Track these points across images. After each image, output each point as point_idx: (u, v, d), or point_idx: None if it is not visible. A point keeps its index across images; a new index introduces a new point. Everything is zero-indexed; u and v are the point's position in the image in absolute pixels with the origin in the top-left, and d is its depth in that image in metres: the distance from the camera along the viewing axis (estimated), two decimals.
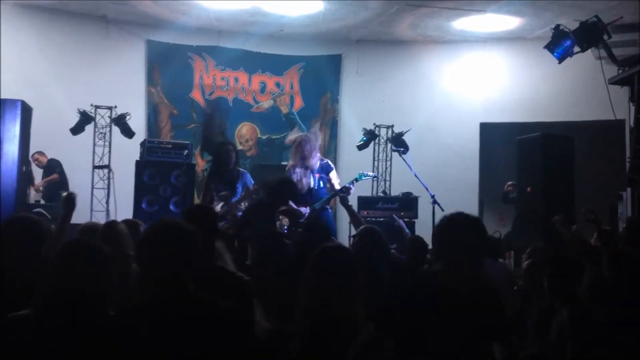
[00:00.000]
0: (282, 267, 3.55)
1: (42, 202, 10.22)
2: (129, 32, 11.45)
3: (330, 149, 11.97)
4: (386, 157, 11.26)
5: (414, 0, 9.84)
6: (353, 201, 8.17)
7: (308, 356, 2.61)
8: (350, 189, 7.35)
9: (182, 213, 4.98)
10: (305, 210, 7.38)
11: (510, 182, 9.91)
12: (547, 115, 11.01)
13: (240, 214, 7.42)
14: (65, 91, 10.76)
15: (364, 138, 10.79)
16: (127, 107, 10.23)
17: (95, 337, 2.49)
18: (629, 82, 8.42)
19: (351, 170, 8.08)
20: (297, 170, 7.62)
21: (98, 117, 10.22)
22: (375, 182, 10.90)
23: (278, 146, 12.17)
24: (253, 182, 7.76)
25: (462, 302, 2.19)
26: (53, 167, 10.30)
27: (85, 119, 9.96)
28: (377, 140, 11.17)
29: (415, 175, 8.21)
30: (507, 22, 10.76)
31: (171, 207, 8.86)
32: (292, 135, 8.14)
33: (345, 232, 9.50)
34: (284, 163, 11.60)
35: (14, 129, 8.86)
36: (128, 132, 10.07)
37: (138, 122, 10.87)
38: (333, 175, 7.81)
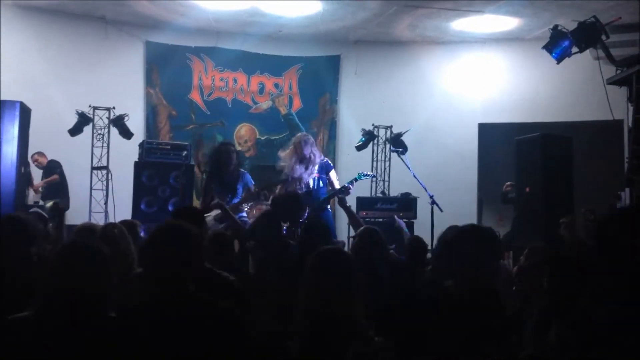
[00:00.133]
0: (284, 267, 3.56)
1: (41, 202, 10.21)
2: (128, 33, 11.45)
3: (329, 150, 11.97)
4: (385, 158, 11.27)
5: (413, 1, 9.84)
6: (352, 202, 8.19)
7: (308, 356, 2.61)
8: (349, 189, 7.35)
9: (171, 214, 4.97)
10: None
11: (509, 182, 9.93)
12: (546, 116, 11.03)
13: (242, 216, 7.42)
14: (64, 92, 10.76)
15: (363, 139, 10.79)
16: (125, 108, 10.23)
17: (95, 337, 2.49)
18: (627, 83, 8.41)
19: (350, 171, 8.09)
20: (297, 167, 7.59)
21: (96, 118, 10.21)
22: (374, 183, 10.91)
23: (277, 147, 12.12)
24: (253, 182, 7.74)
25: (462, 302, 2.19)
26: (53, 168, 10.30)
27: (84, 120, 9.96)
28: (375, 141, 11.17)
29: (414, 176, 8.22)
30: (506, 22, 10.77)
31: (170, 208, 8.84)
32: (283, 152, 8.06)
33: (344, 232, 9.51)
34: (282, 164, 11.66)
35: (12, 130, 8.86)
36: (126, 133, 10.07)
37: (137, 123, 10.87)
38: (332, 174, 7.80)
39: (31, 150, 9.93)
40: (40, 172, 10.55)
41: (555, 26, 7.88)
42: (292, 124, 12.24)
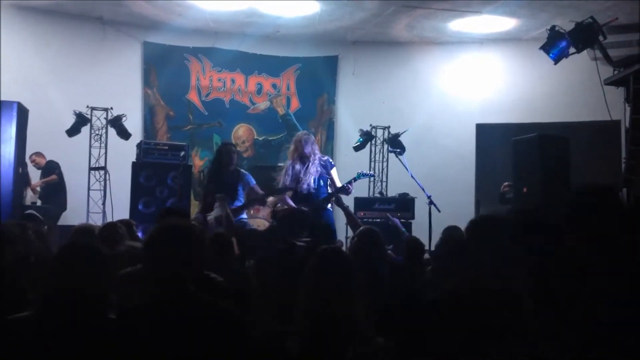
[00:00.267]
0: (284, 267, 3.56)
1: (39, 203, 10.20)
2: (126, 34, 11.44)
3: (327, 150, 11.97)
4: (383, 158, 11.28)
5: (411, 1, 9.85)
6: (349, 202, 8.19)
7: (308, 356, 2.61)
8: (349, 189, 7.36)
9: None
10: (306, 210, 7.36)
11: (506, 183, 9.93)
12: (543, 116, 11.03)
13: (242, 217, 7.42)
14: (62, 92, 10.76)
15: (361, 139, 10.80)
16: (123, 109, 10.23)
17: (95, 337, 2.49)
18: (624, 83, 8.43)
19: (348, 171, 8.08)
20: (297, 166, 7.56)
21: (94, 119, 10.22)
22: (371, 183, 10.92)
23: (275, 147, 12.19)
24: (255, 182, 7.72)
25: (462, 302, 2.20)
26: (52, 169, 10.28)
27: (81, 120, 9.96)
28: (373, 142, 11.18)
29: (412, 176, 8.23)
30: (503, 23, 10.78)
31: None
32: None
33: (342, 232, 9.51)
34: (280, 164, 11.66)
35: (10, 131, 8.85)
36: (124, 134, 10.07)
37: (134, 124, 10.87)
38: (334, 172, 7.73)
39: (29, 150, 9.92)
40: (39, 172, 10.54)
41: (553, 27, 7.89)
42: (290, 124, 12.24)
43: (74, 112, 9.90)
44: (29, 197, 10.42)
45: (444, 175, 11.09)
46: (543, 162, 8.44)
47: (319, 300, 2.69)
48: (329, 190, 7.62)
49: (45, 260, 4.34)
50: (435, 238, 5.37)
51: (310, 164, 7.55)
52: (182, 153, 9.32)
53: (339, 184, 7.59)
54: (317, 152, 7.75)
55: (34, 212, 8.23)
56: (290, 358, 2.63)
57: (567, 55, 7.82)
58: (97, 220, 9.31)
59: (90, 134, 10.20)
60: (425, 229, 7.77)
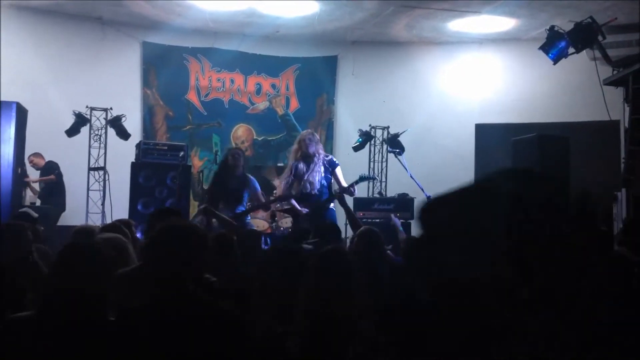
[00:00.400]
0: (287, 268, 3.57)
1: (38, 203, 10.20)
2: (125, 34, 11.44)
3: (327, 150, 11.92)
4: (382, 158, 11.28)
5: (410, 1, 9.85)
6: (349, 202, 8.18)
7: (308, 356, 2.61)
8: (353, 191, 7.35)
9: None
10: (307, 211, 7.35)
11: None
12: (543, 116, 11.03)
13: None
14: (61, 93, 10.75)
15: (360, 139, 10.80)
16: (122, 109, 10.23)
17: (95, 337, 2.50)
18: (623, 83, 8.45)
19: (347, 171, 8.07)
20: (300, 166, 7.47)
21: (93, 119, 10.22)
22: (371, 183, 10.92)
23: (274, 148, 12.19)
24: (260, 189, 7.68)
25: (462, 301, 2.19)
26: (51, 169, 10.27)
27: (81, 120, 9.96)
28: (373, 142, 11.18)
29: (411, 177, 8.24)
30: (502, 23, 10.79)
31: None
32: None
33: (342, 232, 9.50)
34: (280, 164, 11.67)
35: (9, 131, 8.87)
36: (124, 134, 10.07)
37: (134, 124, 10.86)
38: (338, 171, 7.61)
39: (28, 151, 9.92)
40: (37, 174, 10.53)
41: (552, 27, 7.90)
42: (289, 124, 12.24)
43: (74, 112, 9.90)
44: (29, 197, 10.42)
45: (444, 175, 10.99)
46: (542, 162, 8.44)
47: (319, 300, 2.69)
48: (332, 191, 7.58)
49: (43, 261, 4.35)
50: None
51: (314, 164, 7.45)
52: (181, 153, 9.32)
53: (344, 183, 7.52)
54: (321, 151, 7.64)
55: (29, 210, 8.21)
56: (290, 358, 2.63)
57: (566, 55, 7.83)
58: (96, 221, 9.31)
59: (90, 134, 10.21)
60: None
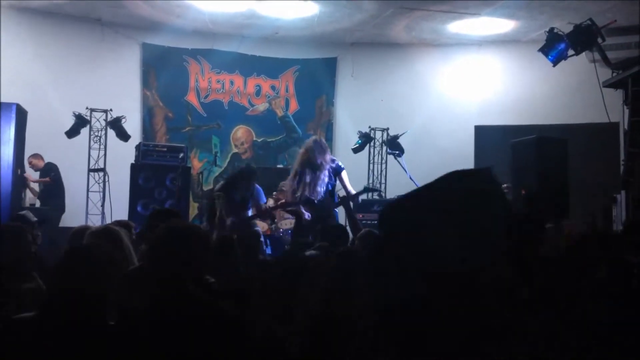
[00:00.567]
0: (285, 268, 3.56)
1: (38, 204, 10.20)
2: (124, 35, 11.45)
3: None
4: (381, 160, 11.29)
5: (409, 1, 9.86)
6: None
7: (308, 356, 2.61)
8: (358, 201, 7.34)
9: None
10: (309, 215, 7.34)
11: (505, 185, 9.93)
12: (542, 118, 11.04)
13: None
14: (61, 94, 10.76)
15: (360, 141, 10.81)
16: (122, 110, 10.24)
17: (96, 338, 2.50)
18: (622, 85, 8.44)
19: (347, 173, 8.05)
20: (306, 176, 7.33)
21: (93, 120, 10.23)
22: (371, 185, 10.91)
23: (273, 149, 12.20)
24: (265, 200, 7.67)
25: (462, 301, 2.19)
26: (48, 171, 10.26)
27: (81, 122, 9.97)
28: (372, 143, 11.19)
29: (411, 178, 8.25)
30: (502, 25, 10.80)
31: None
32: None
33: None
34: (279, 166, 11.68)
35: (9, 132, 8.87)
36: (123, 135, 10.08)
37: (133, 125, 10.87)
38: (344, 175, 7.54)
39: (28, 152, 9.92)
40: (37, 174, 10.53)
41: (552, 29, 7.91)
42: (289, 126, 12.25)
43: (73, 113, 9.91)
44: (29, 198, 10.42)
45: None
46: (541, 164, 8.45)
47: (319, 300, 2.69)
48: (336, 197, 7.53)
49: (41, 262, 4.36)
50: None
51: (321, 173, 7.34)
52: (181, 155, 9.33)
53: (350, 188, 7.47)
54: (328, 159, 7.49)
55: (27, 213, 8.20)
56: (290, 358, 2.63)
57: (565, 57, 7.84)
58: (96, 222, 9.31)
59: (90, 135, 10.21)
60: None
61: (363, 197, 10.20)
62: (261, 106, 12.24)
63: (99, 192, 10.11)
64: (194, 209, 10.88)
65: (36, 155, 10.31)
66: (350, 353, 2.45)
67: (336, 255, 2.91)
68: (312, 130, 12.18)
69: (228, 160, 11.95)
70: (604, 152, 10.62)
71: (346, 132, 11.90)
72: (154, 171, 9.17)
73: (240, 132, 12.16)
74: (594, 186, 9.95)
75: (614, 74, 8.46)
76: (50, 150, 10.33)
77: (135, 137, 10.65)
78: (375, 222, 8.83)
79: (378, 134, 11.23)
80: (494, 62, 11.93)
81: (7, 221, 7.42)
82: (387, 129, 11.07)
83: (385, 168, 11.22)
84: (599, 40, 7.60)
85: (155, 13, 10.71)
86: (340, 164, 7.74)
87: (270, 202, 8.79)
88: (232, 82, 12.09)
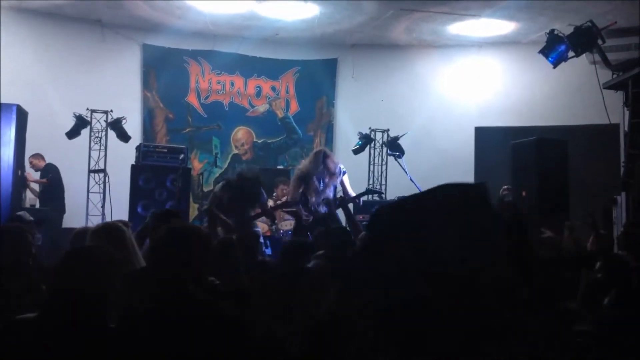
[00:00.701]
0: (285, 268, 3.56)
1: (38, 204, 10.20)
2: (125, 36, 11.45)
3: None
4: (382, 161, 11.29)
5: (409, 2, 9.86)
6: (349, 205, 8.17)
7: (308, 356, 2.62)
8: (360, 203, 7.33)
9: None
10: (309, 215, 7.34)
11: (505, 186, 9.94)
12: (542, 120, 11.05)
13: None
14: (61, 95, 10.77)
15: (360, 142, 10.81)
16: (122, 111, 10.24)
17: (96, 338, 2.50)
18: (623, 87, 8.44)
19: (348, 174, 8.06)
20: (314, 183, 7.34)
21: (94, 121, 10.23)
22: (371, 186, 10.91)
23: (274, 150, 12.20)
24: (266, 197, 7.64)
25: (462, 301, 2.20)
26: (46, 172, 10.26)
27: (81, 123, 9.97)
28: (372, 145, 11.19)
29: (411, 179, 8.24)
30: (502, 26, 10.80)
31: None
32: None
33: None
34: (279, 167, 11.68)
35: (9, 133, 8.87)
36: (124, 136, 10.08)
37: (134, 126, 10.88)
38: (346, 179, 7.60)
39: (28, 153, 9.92)
40: (38, 174, 10.52)
41: (552, 30, 7.90)
42: (289, 127, 12.26)
43: (74, 114, 9.91)
44: (29, 199, 10.42)
45: (443, 178, 10.79)
46: (541, 165, 8.46)
47: (319, 300, 2.69)
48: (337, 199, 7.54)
49: (40, 264, 4.36)
50: None
51: (328, 180, 7.40)
52: (181, 156, 9.33)
53: (351, 191, 7.50)
54: (332, 168, 7.50)
55: (23, 213, 8.19)
56: (290, 358, 2.64)
57: (566, 58, 7.83)
58: (96, 223, 9.30)
59: (90, 136, 10.21)
60: None
61: (363, 198, 10.24)
62: (261, 107, 12.25)
63: (99, 193, 10.11)
64: (194, 210, 10.87)
65: (37, 156, 10.32)
66: (350, 353, 2.45)
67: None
68: (312, 132, 12.19)
69: (228, 161, 11.96)
70: (604, 154, 10.62)
71: (346, 133, 11.90)
72: (155, 172, 9.17)
73: (240, 133, 12.16)
74: (594, 187, 9.95)
75: (614, 76, 8.46)
76: (50, 151, 10.33)
77: (136, 138, 10.65)
78: None
79: (378, 135, 11.23)
80: (494, 64, 11.94)
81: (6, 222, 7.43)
82: (388, 130, 11.07)
83: (386, 169, 11.22)
84: (599, 41, 7.60)
85: (156, 14, 10.72)
86: (342, 167, 7.78)
87: (270, 203, 8.78)
88: (232, 83, 12.10)
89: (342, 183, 7.60)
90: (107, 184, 10.04)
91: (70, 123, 9.93)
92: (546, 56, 7.91)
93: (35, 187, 10.33)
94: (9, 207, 8.59)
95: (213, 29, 11.47)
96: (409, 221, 2.22)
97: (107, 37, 11.36)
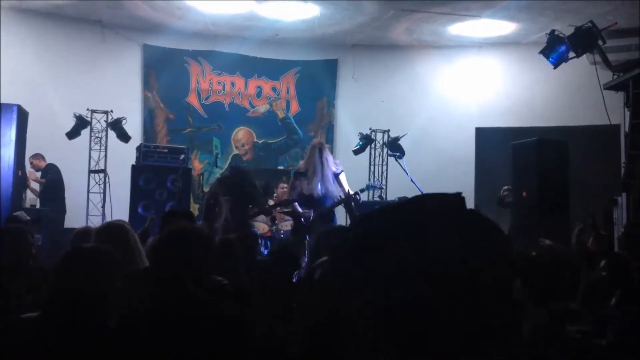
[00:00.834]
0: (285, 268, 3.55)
1: (38, 205, 10.20)
2: (125, 37, 11.46)
3: None
4: (382, 162, 11.29)
5: (410, 2, 9.86)
6: None
7: (308, 356, 2.61)
8: (359, 199, 7.32)
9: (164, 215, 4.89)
10: (309, 213, 7.33)
11: (505, 187, 9.94)
12: (542, 120, 11.04)
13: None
14: (62, 95, 10.77)
15: (360, 143, 10.81)
16: (123, 111, 10.25)
17: (97, 338, 2.50)
18: (623, 88, 8.44)
19: (348, 175, 8.06)
20: (326, 174, 7.37)
21: (94, 122, 10.23)
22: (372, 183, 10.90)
23: (274, 150, 12.20)
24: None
25: (462, 301, 2.20)
26: (46, 173, 10.26)
27: (81, 123, 9.97)
28: (373, 145, 11.19)
29: (412, 180, 8.23)
30: (502, 27, 10.80)
31: None
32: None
33: None
34: (280, 167, 11.68)
35: (9, 133, 8.86)
36: (124, 137, 10.08)
37: (134, 127, 10.88)
38: (342, 178, 7.58)
39: (28, 153, 9.92)
40: (39, 175, 10.53)
41: (552, 31, 7.91)
42: (290, 127, 12.26)
43: (74, 114, 9.92)
44: (29, 199, 10.42)
45: (444, 179, 11.05)
46: (541, 166, 8.46)
47: (318, 300, 2.69)
48: (331, 199, 7.53)
49: (40, 264, 4.36)
50: None
51: (326, 171, 7.41)
52: (182, 156, 9.33)
53: (347, 188, 7.49)
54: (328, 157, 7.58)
55: (21, 214, 8.18)
56: (290, 358, 2.63)
57: (566, 59, 7.83)
58: (96, 223, 9.31)
59: (90, 136, 10.22)
60: None
61: (364, 198, 10.22)
62: (262, 108, 12.25)
63: (99, 194, 10.11)
64: (194, 211, 10.87)
65: (37, 156, 10.31)
66: (350, 353, 2.45)
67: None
68: (312, 132, 12.19)
69: (229, 161, 11.95)
70: (604, 155, 10.62)
71: (347, 133, 11.90)
72: (155, 172, 9.17)
73: (241, 134, 12.17)
74: (594, 188, 9.95)
75: (615, 77, 8.46)
76: (50, 152, 10.33)
77: (136, 138, 10.65)
78: None
79: (379, 136, 11.23)
80: (494, 64, 11.93)
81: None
82: (388, 130, 11.08)
83: (386, 170, 11.22)
84: (600, 42, 7.60)
85: (156, 14, 10.72)
86: (339, 166, 7.76)
87: (270, 203, 8.79)
88: (233, 84, 12.11)
89: (339, 182, 7.56)
90: (107, 184, 10.04)
91: (70, 123, 9.94)
92: (547, 57, 7.91)
93: (36, 187, 10.33)
94: (9, 207, 8.58)
95: (213, 30, 11.47)
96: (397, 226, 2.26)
97: (108, 38, 11.36)
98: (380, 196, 10.84)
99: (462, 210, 2.33)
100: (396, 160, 8.99)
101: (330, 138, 12.23)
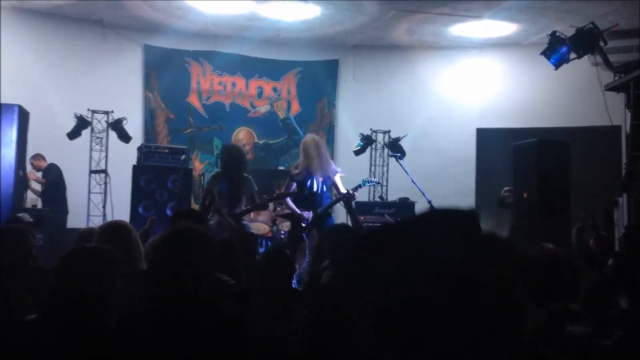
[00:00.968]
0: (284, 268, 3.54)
1: (39, 205, 10.20)
2: (126, 37, 11.46)
3: None
4: (383, 163, 11.28)
5: (411, 2, 9.86)
6: None
7: (308, 356, 2.61)
8: (354, 195, 7.31)
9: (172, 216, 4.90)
10: (308, 214, 7.32)
11: (506, 188, 9.94)
12: (543, 121, 11.04)
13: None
14: (62, 95, 10.77)
15: (361, 143, 10.81)
16: (123, 112, 10.25)
17: (97, 338, 2.50)
18: (625, 89, 8.45)
19: (348, 175, 8.05)
20: (321, 172, 7.35)
21: (95, 122, 10.23)
22: (372, 188, 10.91)
23: (275, 151, 12.20)
24: (256, 188, 7.53)
25: (462, 301, 2.19)
26: (46, 173, 10.26)
27: (82, 123, 9.97)
28: (374, 146, 11.18)
29: (412, 181, 8.23)
30: (503, 28, 10.79)
31: (168, 212, 8.84)
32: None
33: None
34: (280, 168, 11.67)
35: (10, 134, 8.87)
36: (125, 137, 10.08)
37: (135, 127, 10.88)
38: (337, 178, 7.55)
39: (29, 153, 9.92)
40: (40, 175, 10.53)
41: (554, 32, 7.91)
42: (290, 128, 12.26)
43: (75, 115, 9.91)
44: (30, 199, 10.42)
45: (444, 179, 11.08)
46: (542, 166, 8.46)
47: (318, 300, 2.69)
48: (329, 199, 7.54)
49: (40, 264, 4.36)
50: None
51: (329, 170, 7.41)
52: (183, 156, 9.33)
53: (342, 189, 7.48)
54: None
55: (24, 215, 8.18)
56: (290, 358, 2.63)
57: (567, 60, 7.84)
58: (97, 223, 9.30)
59: (91, 137, 10.22)
60: None
61: (364, 198, 10.24)
62: (263, 108, 12.25)
63: (100, 194, 10.11)
64: None
65: (37, 156, 10.31)
66: (350, 353, 2.45)
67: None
68: (313, 132, 12.16)
69: None
70: (605, 156, 10.62)
71: (347, 134, 11.90)
72: (156, 173, 9.17)
73: (241, 134, 12.17)
74: (595, 189, 9.95)
75: (616, 78, 8.47)
76: (51, 152, 10.33)
77: (137, 138, 10.65)
78: (377, 224, 8.82)
79: (379, 136, 11.23)
80: (495, 65, 11.93)
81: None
82: (389, 131, 11.07)
83: (387, 170, 11.22)
84: (601, 43, 7.61)
85: (157, 15, 10.73)
86: (335, 166, 7.75)
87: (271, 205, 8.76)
88: (233, 84, 12.11)
89: (334, 182, 7.53)
90: (108, 185, 10.04)
91: (71, 123, 9.93)
92: (548, 58, 7.92)
93: (37, 187, 10.33)
94: (10, 208, 8.59)
95: (214, 30, 11.47)
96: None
97: (108, 38, 11.37)
98: (381, 196, 10.83)
99: (476, 233, 2.22)
100: (397, 161, 8.98)
101: (330, 138, 12.23)
